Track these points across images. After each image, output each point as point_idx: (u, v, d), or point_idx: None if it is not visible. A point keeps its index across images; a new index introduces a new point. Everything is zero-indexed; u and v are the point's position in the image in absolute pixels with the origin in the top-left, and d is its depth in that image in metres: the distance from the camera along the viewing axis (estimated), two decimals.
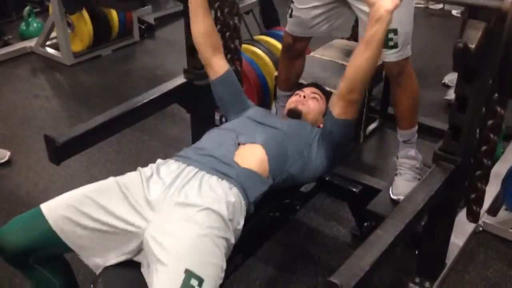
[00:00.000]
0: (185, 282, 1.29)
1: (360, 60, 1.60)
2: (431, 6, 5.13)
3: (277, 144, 1.72)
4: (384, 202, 2.07)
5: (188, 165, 1.58)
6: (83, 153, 2.24)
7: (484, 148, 1.76)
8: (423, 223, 1.86)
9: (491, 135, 1.73)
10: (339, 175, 2.14)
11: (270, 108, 2.72)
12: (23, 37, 4.26)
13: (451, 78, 3.39)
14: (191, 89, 2.44)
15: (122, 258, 1.45)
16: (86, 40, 3.97)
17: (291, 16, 2.21)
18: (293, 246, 2.24)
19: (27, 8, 4.27)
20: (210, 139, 1.76)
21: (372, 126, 2.99)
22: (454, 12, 4.92)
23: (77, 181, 2.59)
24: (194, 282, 1.29)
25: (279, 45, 2.87)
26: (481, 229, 2.28)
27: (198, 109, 2.52)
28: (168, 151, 2.71)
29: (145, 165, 1.63)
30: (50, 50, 4.05)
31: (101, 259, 1.45)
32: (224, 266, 1.40)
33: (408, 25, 2.01)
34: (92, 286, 1.41)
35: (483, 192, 1.87)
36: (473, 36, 1.46)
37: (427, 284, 1.96)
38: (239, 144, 1.68)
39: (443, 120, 1.98)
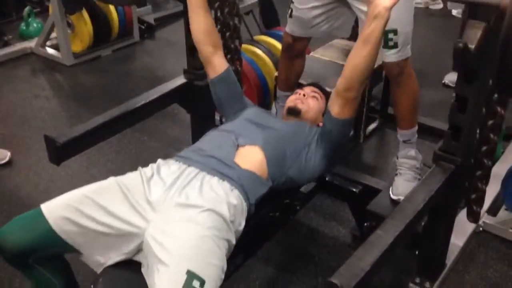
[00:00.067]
0: (187, 283, 1.29)
1: (358, 58, 1.59)
2: (431, 6, 5.13)
3: (276, 146, 1.72)
4: (384, 202, 2.07)
5: (189, 165, 1.58)
6: (83, 153, 2.24)
7: (484, 148, 1.76)
8: (423, 223, 1.86)
9: (491, 135, 1.73)
10: (339, 175, 2.14)
11: (270, 108, 2.72)
12: (23, 37, 4.26)
13: (451, 78, 3.39)
14: (191, 90, 2.44)
15: (122, 258, 1.45)
16: (86, 40, 3.96)
17: (291, 16, 2.21)
18: (293, 247, 2.24)
19: (27, 8, 4.26)
20: (210, 140, 1.76)
21: (372, 126, 2.99)
22: (454, 12, 4.92)
23: (77, 181, 2.58)
24: (196, 283, 1.29)
25: (279, 45, 2.87)
26: (481, 229, 2.27)
27: (198, 109, 2.52)
28: (168, 151, 2.71)
29: (145, 165, 1.63)
30: (50, 51, 4.05)
31: (101, 257, 1.45)
32: (225, 267, 1.40)
33: (408, 25, 2.01)
34: (92, 286, 1.41)
35: (483, 192, 1.87)
36: (473, 36, 1.46)
37: (427, 284, 1.96)
38: (238, 146, 1.68)
39: (443, 120, 1.97)
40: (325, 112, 1.82)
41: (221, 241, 1.41)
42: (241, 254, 1.68)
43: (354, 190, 2.11)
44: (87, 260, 1.48)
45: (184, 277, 1.29)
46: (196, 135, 2.49)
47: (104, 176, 1.56)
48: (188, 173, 1.55)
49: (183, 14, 2.06)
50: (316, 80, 2.28)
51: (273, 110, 2.58)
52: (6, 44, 4.16)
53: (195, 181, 1.53)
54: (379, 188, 2.14)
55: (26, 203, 2.44)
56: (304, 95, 1.96)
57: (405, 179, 2.13)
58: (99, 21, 4.00)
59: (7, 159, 2.76)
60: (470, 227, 2.21)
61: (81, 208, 1.43)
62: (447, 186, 1.69)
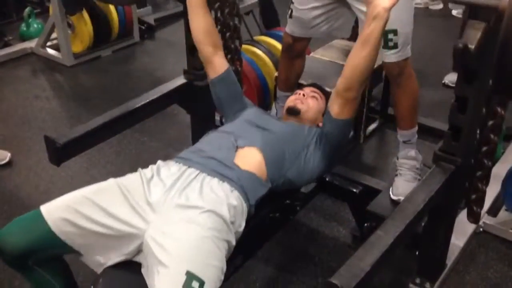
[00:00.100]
0: (187, 284, 1.29)
1: (358, 58, 1.59)
2: (431, 7, 5.13)
3: (274, 148, 1.72)
4: (384, 202, 2.07)
5: (189, 167, 1.58)
6: (83, 154, 2.24)
7: (484, 148, 1.76)
8: (423, 224, 1.86)
9: (492, 136, 1.73)
10: (339, 175, 2.14)
11: (270, 108, 2.72)
12: (24, 38, 4.26)
13: (451, 78, 3.39)
14: (191, 90, 2.44)
15: (122, 259, 1.45)
16: (86, 41, 3.97)
17: (291, 16, 2.21)
18: (293, 247, 2.24)
19: (27, 9, 4.26)
20: (210, 141, 1.76)
21: (372, 126, 2.99)
22: (454, 12, 4.92)
23: (77, 182, 2.59)
24: (195, 284, 1.29)
25: (279, 46, 2.86)
26: (481, 229, 2.27)
27: (198, 109, 2.52)
28: (169, 152, 2.71)
29: (145, 166, 1.63)
30: (50, 51, 4.05)
31: (101, 258, 1.45)
32: (225, 268, 1.40)
33: (408, 25, 2.01)
34: (92, 287, 1.41)
35: (484, 192, 1.87)
36: (473, 36, 1.46)
37: (427, 285, 1.96)
38: (237, 147, 1.68)
39: (443, 120, 1.97)
40: (325, 113, 1.82)
41: (221, 242, 1.41)
42: (241, 254, 1.68)
43: (354, 190, 2.11)
44: (87, 261, 1.48)
45: (184, 278, 1.29)
46: (196, 135, 2.49)
47: (104, 177, 1.56)
48: (188, 175, 1.55)
49: (183, 15, 2.07)
50: (316, 81, 2.29)
51: (273, 110, 2.58)
52: (6, 44, 4.17)
53: (195, 182, 1.53)
54: (379, 188, 2.14)
55: (26, 204, 2.44)
56: (304, 95, 1.96)
57: (405, 180, 2.13)
58: (99, 21, 4.00)
59: (7, 159, 2.76)
60: (470, 227, 2.21)
61: (81, 209, 1.43)
62: (447, 186, 1.69)
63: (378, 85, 2.91)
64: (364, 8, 1.85)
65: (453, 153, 1.72)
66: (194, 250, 1.36)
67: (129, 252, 1.44)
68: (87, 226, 1.42)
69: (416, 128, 2.20)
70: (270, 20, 3.70)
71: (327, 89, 2.11)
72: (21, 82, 3.73)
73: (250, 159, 1.66)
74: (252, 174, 1.62)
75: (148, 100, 2.30)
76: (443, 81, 3.50)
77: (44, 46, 4.06)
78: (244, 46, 2.84)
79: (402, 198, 1.93)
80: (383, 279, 2.04)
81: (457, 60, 1.50)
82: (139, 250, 1.44)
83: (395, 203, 2.03)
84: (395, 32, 1.94)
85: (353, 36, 2.68)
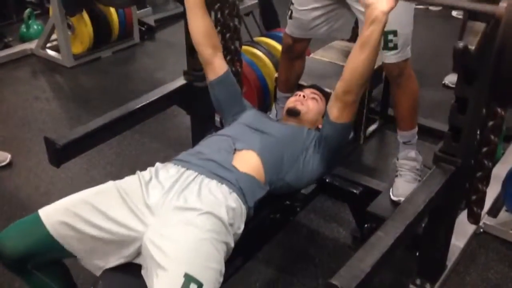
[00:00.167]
0: (185, 286, 1.28)
1: (357, 61, 1.59)
2: (431, 8, 5.13)
3: (273, 151, 1.71)
4: (384, 203, 2.07)
5: (187, 169, 1.58)
6: (83, 155, 2.24)
7: (484, 149, 1.76)
8: (423, 225, 1.86)
9: (492, 136, 1.73)
10: (340, 176, 2.14)
11: (270, 109, 2.72)
12: (24, 39, 4.26)
13: (451, 79, 3.39)
14: (191, 91, 2.44)
15: (121, 261, 1.45)
16: (86, 42, 3.97)
17: (291, 17, 2.21)
18: (294, 248, 2.24)
19: (27, 10, 4.26)
20: (209, 144, 1.76)
21: (372, 127, 2.99)
22: (454, 13, 4.91)
23: (77, 183, 2.59)
24: (193, 286, 1.29)
25: (279, 47, 2.87)
26: (481, 230, 2.27)
27: (198, 110, 2.52)
28: (169, 153, 2.71)
29: (145, 167, 1.63)
30: (50, 52, 4.05)
31: (100, 261, 1.45)
32: (223, 271, 1.40)
33: (408, 26, 2.01)
34: None
35: (484, 193, 1.86)
36: (473, 37, 1.46)
37: (427, 286, 1.95)
38: (235, 150, 1.68)
39: (443, 121, 1.97)
40: (324, 116, 1.81)
41: (219, 244, 1.41)
42: (241, 256, 1.68)
43: (355, 191, 2.10)
44: (86, 264, 1.47)
45: (182, 280, 1.29)
46: (196, 136, 2.49)
47: (104, 178, 1.56)
48: (187, 177, 1.55)
49: (183, 16, 2.06)
50: (316, 81, 2.29)
51: (273, 111, 2.58)
52: (6, 45, 4.16)
53: (194, 184, 1.52)
54: (379, 189, 2.14)
55: (26, 205, 2.44)
56: (304, 96, 1.96)
57: (406, 181, 2.13)
58: (99, 22, 4.00)
59: (7, 161, 2.76)
60: (471, 228, 2.21)
61: (79, 213, 1.42)
62: (448, 187, 1.69)
63: (378, 86, 2.91)
64: (363, 9, 1.85)
65: (453, 154, 1.71)
66: (192, 252, 1.35)
67: (128, 255, 1.44)
68: (86, 230, 1.41)
69: (416, 129, 2.20)
70: (270, 21, 3.71)
71: (327, 90, 2.11)
72: (21, 83, 3.73)
73: (248, 161, 1.65)
74: (250, 177, 1.62)
75: (148, 101, 2.30)
76: (443, 82, 3.50)
77: (44, 47, 4.07)
78: (244, 47, 2.85)
79: (402, 199, 1.93)
80: (383, 280, 2.04)
81: (457, 61, 1.50)
82: (138, 253, 1.43)
83: (395, 204, 2.03)
84: (395, 33, 1.94)
85: (353, 37, 2.68)
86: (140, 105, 2.27)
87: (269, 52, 3.07)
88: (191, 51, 2.32)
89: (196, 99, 2.45)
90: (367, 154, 2.88)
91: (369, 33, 1.53)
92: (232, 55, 2.34)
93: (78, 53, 3.99)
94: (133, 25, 4.29)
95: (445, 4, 1.51)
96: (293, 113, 1.92)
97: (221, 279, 1.39)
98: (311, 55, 2.99)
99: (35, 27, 4.30)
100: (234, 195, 1.54)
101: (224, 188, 1.54)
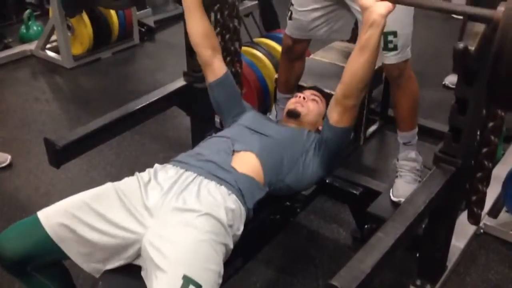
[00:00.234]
0: None
1: (356, 64, 1.58)
2: None
3: (272, 153, 1.71)
4: (384, 204, 2.07)
5: (186, 170, 1.58)
6: (83, 156, 2.24)
7: (484, 150, 1.76)
8: (424, 226, 1.86)
9: (492, 137, 1.73)
10: (340, 177, 2.14)
11: (270, 110, 2.72)
12: (23, 40, 4.25)
13: (451, 79, 3.39)
14: (191, 92, 2.44)
15: (121, 263, 1.44)
16: (86, 43, 3.97)
17: (290, 18, 2.21)
18: (294, 249, 2.24)
19: (27, 11, 4.26)
20: (208, 145, 1.75)
21: (372, 128, 2.98)
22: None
23: (77, 184, 2.59)
24: None
25: (279, 48, 2.87)
26: (482, 231, 2.27)
27: (198, 111, 2.52)
28: (168, 154, 2.71)
29: (145, 168, 1.62)
30: (50, 53, 4.05)
31: (99, 264, 1.44)
32: (222, 272, 1.40)
33: (408, 27, 2.01)
34: None
35: (484, 194, 1.87)
36: (473, 38, 1.46)
37: (428, 286, 1.95)
38: (234, 151, 1.68)
39: (443, 122, 1.97)
40: (324, 119, 1.81)
41: (218, 246, 1.41)
42: (241, 257, 1.68)
43: (355, 192, 2.10)
44: (85, 267, 1.46)
45: (180, 282, 1.28)
46: (196, 137, 2.49)
47: (104, 179, 1.56)
48: (186, 178, 1.54)
49: (183, 17, 2.06)
50: (316, 82, 2.29)
51: (273, 112, 2.58)
52: (6, 46, 4.16)
53: (193, 185, 1.52)
54: (379, 190, 2.14)
55: (26, 206, 2.44)
56: (304, 98, 1.96)
57: (406, 181, 2.13)
58: (99, 23, 4.00)
59: (7, 162, 2.76)
60: (471, 229, 2.20)
61: (78, 215, 1.42)
62: (448, 188, 1.69)
63: (378, 87, 2.91)
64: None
65: (453, 154, 1.71)
66: (191, 254, 1.35)
67: (128, 257, 1.43)
68: (85, 232, 1.41)
69: (416, 129, 2.20)
70: (270, 22, 3.71)
71: (327, 91, 2.11)
72: (20, 84, 3.73)
73: (247, 163, 1.65)
74: (249, 178, 1.61)
75: (148, 102, 2.30)
76: (443, 83, 3.50)
77: (43, 48, 4.06)
78: (244, 48, 2.85)
79: (402, 199, 1.93)
80: (384, 281, 2.04)
81: (457, 62, 1.50)
82: (138, 254, 1.43)
83: (395, 204, 2.03)
84: (395, 34, 1.94)
85: (353, 38, 2.67)
86: (140, 106, 2.27)
87: (269, 53, 3.07)
88: (190, 52, 2.32)
89: (196, 100, 2.45)
90: (367, 155, 2.88)
91: (367, 36, 1.53)
92: (232, 56, 2.35)
93: (78, 54, 3.99)
94: (133, 26, 4.29)
95: (444, 9, 1.50)
96: (294, 115, 1.92)
97: (220, 281, 1.38)
98: (311, 56, 2.99)
99: (35, 28, 4.30)
100: (233, 196, 1.54)
101: (223, 189, 1.53)
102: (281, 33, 2.92)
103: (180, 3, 1.96)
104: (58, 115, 3.37)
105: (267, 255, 2.14)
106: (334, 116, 1.69)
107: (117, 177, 1.58)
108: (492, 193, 2.23)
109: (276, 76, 2.67)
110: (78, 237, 1.41)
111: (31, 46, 4.12)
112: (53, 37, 4.03)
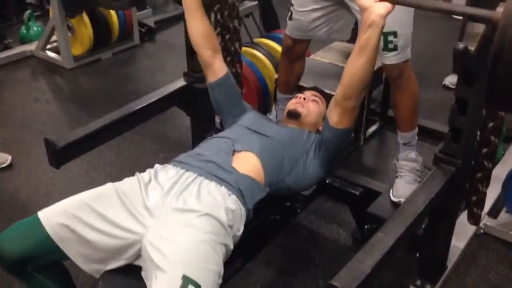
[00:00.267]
0: None
1: (356, 65, 1.58)
2: None
3: (273, 154, 1.71)
4: (384, 204, 2.06)
5: (186, 170, 1.57)
6: (83, 156, 2.24)
7: (484, 150, 1.76)
8: (424, 226, 1.86)
9: (492, 137, 1.73)
10: (340, 177, 2.14)
11: (270, 110, 2.72)
12: (24, 40, 4.26)
13: (451, 80, 3.39)
14: (191, 92, 2.44)
15: (121, 263, 1.44)
16: (86, 43, 3.97)
17: (290, 18, 2.21)
18: (294, 249, 2.24)
19: (27, 12, 4.26)
20: (208, 146, 1.75)
21: (372, 128, 2.99)
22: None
23: (77, 184, 2.59)
24: None
25: (279, 48, 2.86)
26: (482, 231, 2.27)
27: (198, 112, 2.52)
28: (169, 154, 2.71)
29: (145, 168, 1.62)
30: (50, 54, 4.05)
31: (99, 265, 1.44)
32: (222, 272, 1.40)
33: (408, 27, 2.01)
34: None
35: (484, 194, 1.87)
36: (473, 38, 1.46)
37: (428, 286, 1.95)
38: (234, 151, 1.68)
39: (443, 122, 1.97)
40: (324, 121, 1.81)
41: (218, 246, 1.41)
42: (241, 257, 1.68)
43: (355, 192, 2.10)
44: (85, 267, 1.46)
45: (180, 282, 1.28)
46: (196, 138, 2.49)
47: (104, 179, 1.56)
48: (186, 178, 1.54)
49: (183, 17, 2.07)
50: (316, 83, 2.29)
51: (273, 112, 2.58)
52: (6, 47, 4.16)
53: (193, 186, 1.52)
54: (379, 190, 2.14)
55: (26, 206, 2.44)
56: (304, 98, 1.96)
57: (406, 182, 2.12)
58: (100, 24, 4.00)
59: (8, 162, 2.76)
60: (471, 229, 2.21)
61: (79, 215, 1.42)
62: (448, 188, 1.69)
63: (378, 87, 2.91)
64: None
65: (453, 155, 1.71)
66: (190, 254, 1.35)
67: (128, 257, 1.43)
68: (85, 232, 1.40)
69: (416, 130, 2.20)
70: (270, 22, 3.71)
71: (327, 91, 2.11)
72: (21, 84, 3.73)
73: (247, 163, 1.65)
74: (250, 178, 1.61)
75: (148, 103, 2.30)
76: (443, 83, 3.50)
77: (44, 48, 4.07)
78: (244, 48, 2.85)
79: (402, 200, 1.93)
80: (384, 281, 2.04)
81: (457, 62, 1.50)
82: (138, 255, 1.43)
83: (395, 205, 2.03)
84: (395, 34, 1.94)
85: (353, 38, 2.67)
86: (140, 106, 2.27)
87: (269, 53, 3.07)
88: (191, 52, 2.32)
89: (196, 101, 2.45)
90: (367, 155, 2.88)
91: (367, 37, 1.53)
92: (232, 56, 2.35)
93: (78, 54, 3.99)
94: (133, 27, 4.29)
95: (443, 10, 1.50)
96: (294, 115, 1.92)
97: (220, 281, 1.38)
98: (311, 56, 2.99)
99: (35, 28, 4.30)
100: (233, 196, 1.54)
101: (223, 189, 1.53)
102: (281, 34, 2.92)
103: (180, 4, 1.96)
104: (58, 115, 3.37)
105: (267, 256, 2.14)
106: (334, 117, 1.69)
107: (117, 178, 1.58)
108: (492, 193, 2.23)
109: (276, 76, 2.67)
110: (78, 237, 1.41)
111: (31, 47, 4.12)
112: (53, 38, 4.03)
